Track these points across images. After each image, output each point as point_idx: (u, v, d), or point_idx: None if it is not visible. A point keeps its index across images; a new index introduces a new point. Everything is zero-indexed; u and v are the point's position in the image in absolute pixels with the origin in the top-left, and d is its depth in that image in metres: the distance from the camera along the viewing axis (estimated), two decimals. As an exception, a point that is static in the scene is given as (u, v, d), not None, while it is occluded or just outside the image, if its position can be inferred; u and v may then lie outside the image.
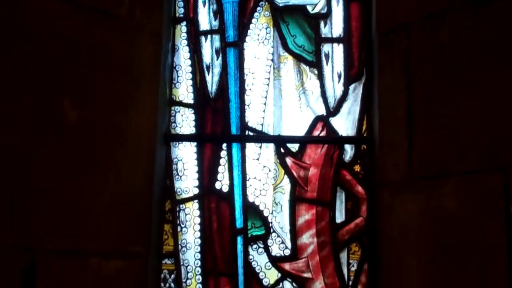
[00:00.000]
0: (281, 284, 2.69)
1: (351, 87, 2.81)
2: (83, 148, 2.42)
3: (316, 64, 2.84)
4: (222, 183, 2.77)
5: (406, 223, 2.43)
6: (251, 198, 2.76)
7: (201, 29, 2.90)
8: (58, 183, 2.37)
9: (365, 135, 2.76)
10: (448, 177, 2.36)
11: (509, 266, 2.18)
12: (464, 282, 2.26)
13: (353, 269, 2.68)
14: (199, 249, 2.72)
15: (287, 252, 2.71)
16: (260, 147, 2.79)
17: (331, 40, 2.85)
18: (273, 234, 2.73)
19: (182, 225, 2.74)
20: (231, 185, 2.76)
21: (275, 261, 2.71)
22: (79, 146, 2.41)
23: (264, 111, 2.83)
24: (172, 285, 2.70)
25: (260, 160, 2.79)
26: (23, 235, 2.31)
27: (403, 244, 2.43)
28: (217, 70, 2.86)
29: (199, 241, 2.72)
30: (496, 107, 2.30)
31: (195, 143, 2.79)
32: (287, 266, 2.71)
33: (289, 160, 2.78)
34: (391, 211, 2.49)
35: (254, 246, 2.73)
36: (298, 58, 2.85)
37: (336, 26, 2.86)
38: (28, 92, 2.34)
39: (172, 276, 2.71)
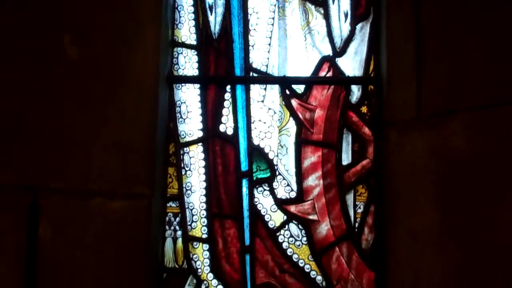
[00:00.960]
0: (286, 226, 2.67)
1: (358, 26, 2.73)
2: (84, 85, 2.39)
3: (322, 3, 2.75)
4: (226, 125, 2.72)
5: (414, 161, 2.38)
6: (256, 141, 2.71)
7: (203, -32, 2.82)
8: (60, 121, 2.34)
9: (372, 75, 2.69)
10: (458, 113, 2.31)
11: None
12: (474, 219, 2.23)
13: (359, 211, 2.65)
14: (204, 192, 2.69)
15: (293, 194, 2.68)
16: (265, 88, 2.74)
17: (338, -23, 2.77)
18: (279, 177, 2.70)
19: (187, 168, 2.71)
20: (236, 128, 2.72)
21: (281, 204, 2.68)
22: (80, 83, 2.38)
23: (268, 51, 2.75)
24: (177, 228, 2.69)
25: (265, 102, 2.74)
26: (25, 174, 2.31)
27: (411, 183, 2.39)
28: (220, 10, 2.77)
29: (204, 184, 2.69)
30: (507, 40, 2.24)
31: (198, 85, 2.73)
32: (292, 208, 2.69)
33: (294, 102, 2.72)
34: (399, 150, 2.44)
35: (260, 188, 2.70)
36: (304, -3, 2.78)
37: (342, -38, 2.77)
38: (29, 28, 2.30)
39: (177, 219, 2.69)
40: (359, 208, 2.66)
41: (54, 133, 2.40)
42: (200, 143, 2.72)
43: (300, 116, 2.71)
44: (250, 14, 2.76)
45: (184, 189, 2.70)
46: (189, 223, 2.69)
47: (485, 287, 2.17)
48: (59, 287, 2.30)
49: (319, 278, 2.63)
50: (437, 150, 2.33)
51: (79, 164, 2.38)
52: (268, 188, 2.70)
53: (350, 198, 2.67)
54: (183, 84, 2.74)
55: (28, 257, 2.26)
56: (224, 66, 2.75)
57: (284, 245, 2.66)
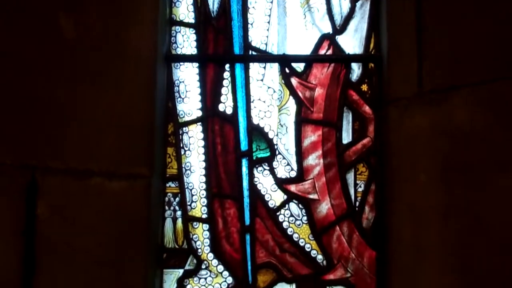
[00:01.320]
0: (287, 206, 2.66)
1: (358, 3, 2.70)
2: (81, 63, 2.37)
3: (322, -20, 2.73)
4: (225, 105, 2.70)
5: (415, 138, 2.36)
6: (255, 120, 2.69)
7: None
8: (57, 100, 2.32)
9: (372, 53, 2.67)
10: (459, 89, 2.29)
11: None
12: (476, 195, 2.22)
13: (360, 190, 2.64)
14: (203, 172, 2.67)
15: (293, 174, 2.67)
16: (264, 67, 2.70)
17: (337, -47, 2.73)
18: (279, 156, 2.68)
19: (186, 148, 2.69)
20: (235, 107, 2.69)
21: (281, 183, 2.66)
22: (77, 62, 2.36)
23: (268, 29, 2.72)
24: (177, 208, 2.67)
25: (265, 81, 2.71)
26: (23, 153, 2.29)
27: (412, 160, 2.38)
28: (218, -13, 2.75)
29: (203, 164, 2.67)
30: (508, 15, 2.22)
31: (197, 64, 2.70)
32: (293, 187, 2.67)
33: (294, 81, 2.69)
34: (399, 127, 2.42)
35: (260, 168, 2.68)
36: (303, -26, 2.74)
37: None
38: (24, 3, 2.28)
39: (177, 199, 2.67)
40: (360, 187, 2.65)
41: (51, 112, 2.37)
42: (199, 123, 2.69)
43: (300, 94, 2.68)
44: (249, -8, 2.74)
45: (184, 169, 2.67)
46: (188, 203, 2.67)
47: (488, 263, 2.16)
48: (58, 266, 2.28)
49: (319, 257, 2.62)
50: (438, 126, 2.31)
51: (77, 144, 2.35)
52: (268, 168, 2.68)
53: (350, 177, 2.66)
54: (181, 63, 2.71)
55: (26, 236, 2.24)
56: (223, 45, 2.72)
57: (285, 224, 2.65)
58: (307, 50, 2.70)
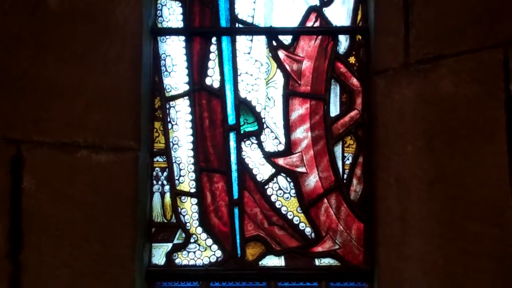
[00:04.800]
0: (275, 179, 2.65)
1: (345, -25, 2.69)
2: (66, 36, 2.35)
3: (308, -49, 2.70)
4: (212, 78, 2.67)
5: (403, 109, 2.36)
6: (243, 94, 2.67)
7: None
8: (42, 72, 2.30)
9: (360, 24, 2.65)
10: (445, 58, 2.28)
11: (509, 146, 2.15)
12: (463, 164, 2.23)
13: (348, 162, 2.64)
14: (191, 146, 2.66)
15: (281, 147, 2.66)
16: (251, 40, 2.68)
17: None
18: (266, 130, 2.67)
19: (173, 123, 2.67)
20: (222, 81, 2.67)
21: (269, 157, 2.66)
22: (62, 35, 2.34)
23: (254, 2, 2.68)
24: (165, 182, 2.66)
25: (252, 54, 2.69)
26: (7, 126, 2.26)
27: (399, 132, 2.37)
28: (203, -41, 2.71)
29: (191, 138, 2.66)
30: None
31: (183, 38, 2.67)
32: (281, 161, 2.67)
33: (281, 53, 2.67)
34: (387, 98, 2.41)
35: (247, 142, 2.67)
36: None
37: None
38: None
39: (165, 173, 2.66)
40: (348, 159, 2.65)
41: (36, 87, 2.34)
42: (186, 97, 2.67)
43: (288, 67, 2.67)
44: (235, -37, 2.70)
45: (171, 144, 2.66)
46: (176, 178, 2.66)
47: (472, 231, 2.18)
48: (45, 240, 2.27)
49: (308, 230, 2.63)
50: (424, 96, 2.31)
51: (63, 117, 2.33)
52: (256, 141, 2.67)
53: (338, 149, 2.66)
54: (167, 37, 2.68)
55: (12, 210, 2.23)
56: (209, 18, 2.69)
57: (273, 197, 2.65)
58: (294, 22, 2.68)
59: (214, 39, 2.67)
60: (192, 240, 2.64)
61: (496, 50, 2.16)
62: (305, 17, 2.68)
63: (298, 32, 2.67)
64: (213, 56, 2.68)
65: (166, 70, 2.68)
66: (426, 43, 2.32)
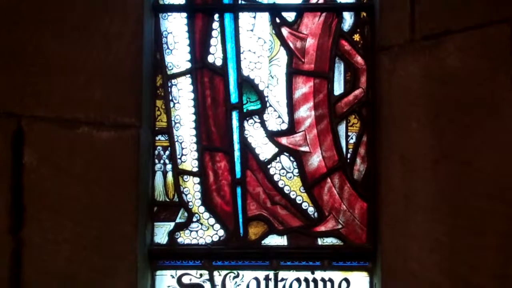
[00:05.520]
0: (278, 158, 2.63)
1: (350, -49, 2.65)
2: (68, 11, 2.32)
3: None
4: (215, 56, 2.64)
5: (408, 86, 2.33)
6: (245, 72, 2.64)
7: None
8: (43, 47, 2.27)
9: (365, 1, 2.62)
10: (451, 34, 2.25)
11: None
12: (469, 142, 2.20)
13: (351, 141, 2.62)
14: (193, 125, 2.63)
15: (284, 126, 2.64)
16: (254, 17, 2.64)
17: None
18: (269, 109, 2.64)
19: (175, 101, 2.65)
20: (225, 58, 2.64)
21: (272, 136, 2.63)
22: (64, 9, 2.31)
23: (257, -22, 2.67)
24: (167, 161, 2.64)
25: (255, 31, 2.65)
26: (8, 101, 2.24)
27: (404, 109, 2.35)
28: None
29: (193, 117, 2.63)
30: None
31: (185, 15, 2.64)
32: (284, 140, 2.64)
33: (285, 31, 2.64)
34: (392, 76, 2.38)
35: (250, 121, 2.64)
36: None
37: None
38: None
39: (167, 152, 2.64)
40: (351, 138, 2.62)
41: (38, 63, 2.31)
42: (188, 75, 2.64)
43: (291, 45, 2.63)
44: None
45: (173, 122, 2.64)
46: (179, 157, 2.64)
47: (477, 208, 2.16)
48: (46, 216, 2.25)
49: (311, 209, 2.61)
50: (430, 73, 2.28)
51: (64, 92, 2.30)
52: (258, 120, 2.64)
53: (342, 128, 2.63)
54: (169, 14, 2.65)
55: (14, 185, 2.21)
56: (212, -6, 2.67)
57: (276, 177, 2.63)
58: (298, -1, 2.66)
59: (216, 16, 2.64)
60: (194, 219, 2.62)
61: (504, 25, 2.12)
62: (309, -6, 2.66)
63: (301, 9, 2.63)
64: (215, 33, 2.64)
65: (168, 48, 2.65)
66: (432, 18, 2.29)
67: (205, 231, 2.63)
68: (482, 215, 2.15)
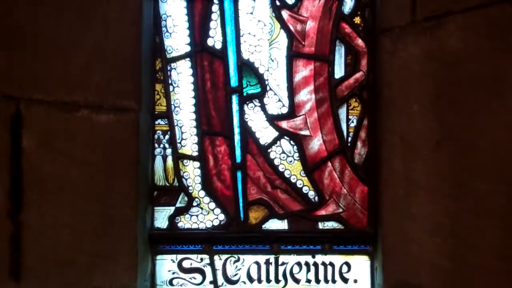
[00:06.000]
0: (278, 142, 2.62)
1: None
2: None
3: None
4: (214, 39, 2.62)
5: (409, 68, 2.31)
6: (245, 55, 2.62)
7: None
8: (41, 30, 2.25)
9: (365, -17, 2.61)
10: (452, 15, 2.22)
11: None
12: (470, 122, 2.18)
13: (352, 125, 2.60)
14: (193, 109, 2.61)
15: (284, 110, 2.62)
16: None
17: None
18: (270, 92, 2.63)
19: (175, 85, 2.63)
20: (224, 42, 2.62)
21: (272, 120, 2.62)
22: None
23: (257, -40, 2.64)
24: (167, 146, 2.63)
25: (255, 14, 2.63)
26: (6, 84, 2.22)
27: (405, 91, 2.33)
28: None
29: (192, 101, 2.61)
30: None
31: (184, -3, 2.63)
32: (284, 124, 2.63)
33: (285, 13, 2.61)
34: (393, 58, 2.36)
35: (250, 105, 2.62)
36: None
37: None
38: None
39: (166, 136, 2.63)
40: (352, 122, 2.61)
41: (36, 46, 2.29)
42: (188, 58, 2.62)
43: (291, 28, 2.61)
44: None
45: (173, 106, 2.62)
46: (178, 141, 2.62)
47: (480, 189, 2.14)
48: (45, 200, 2.24)
49: (311, 193, 2.60)
50: (432, 54, 2.25)
51: (63, 77, 2.28)
52: (259, 104, 2.63)
53: (342, 112, 2.62)
54: (168, -4, 2.64)
55: (12, 169, 2.20)
56: (211, -24, 2.64)
57: (276, 161, 2.62)
58: (298, -19, 2.63)
59: (216, -2, 2.63)
60: (194, 204, 2.61)
61: (505, 4, 2.09)
62: (310, -24, 2.63)
63: (302, -9, 2.62)
64: (215, 16, 2.62)
65: (167, 31, 2.62)
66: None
67: (206, 216, 2.62)
68: (483, 196, 2.14)
